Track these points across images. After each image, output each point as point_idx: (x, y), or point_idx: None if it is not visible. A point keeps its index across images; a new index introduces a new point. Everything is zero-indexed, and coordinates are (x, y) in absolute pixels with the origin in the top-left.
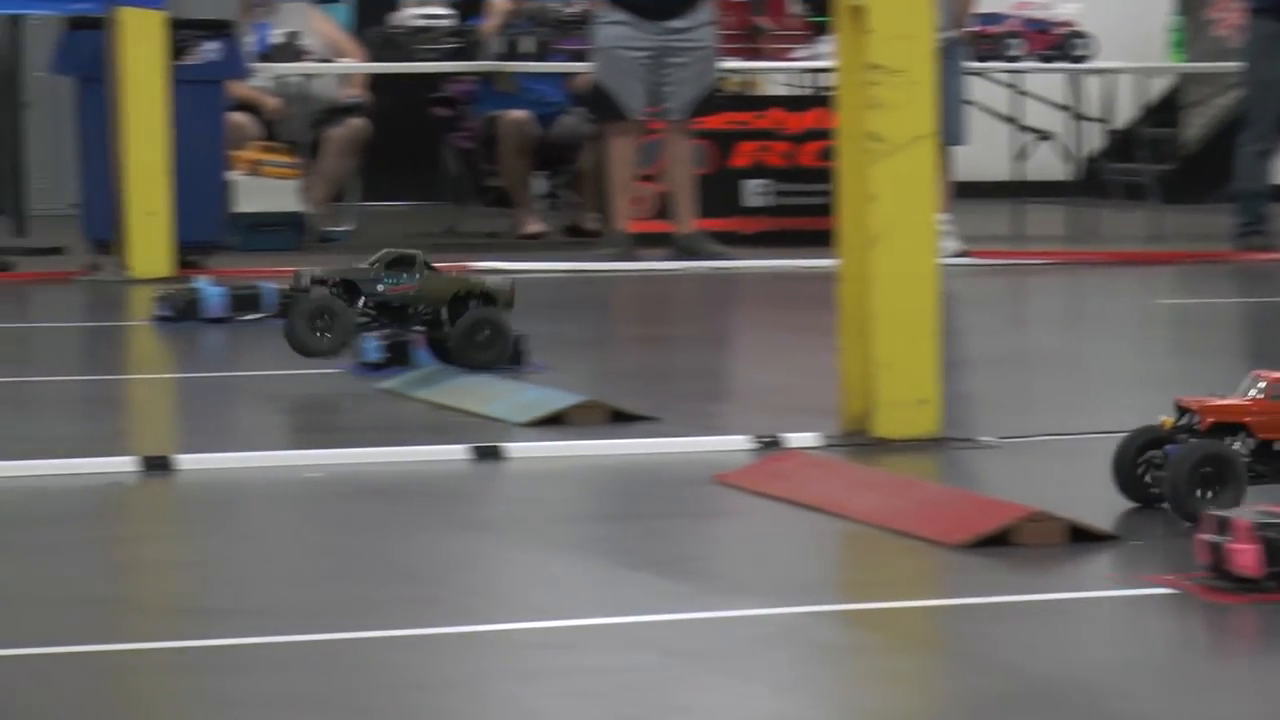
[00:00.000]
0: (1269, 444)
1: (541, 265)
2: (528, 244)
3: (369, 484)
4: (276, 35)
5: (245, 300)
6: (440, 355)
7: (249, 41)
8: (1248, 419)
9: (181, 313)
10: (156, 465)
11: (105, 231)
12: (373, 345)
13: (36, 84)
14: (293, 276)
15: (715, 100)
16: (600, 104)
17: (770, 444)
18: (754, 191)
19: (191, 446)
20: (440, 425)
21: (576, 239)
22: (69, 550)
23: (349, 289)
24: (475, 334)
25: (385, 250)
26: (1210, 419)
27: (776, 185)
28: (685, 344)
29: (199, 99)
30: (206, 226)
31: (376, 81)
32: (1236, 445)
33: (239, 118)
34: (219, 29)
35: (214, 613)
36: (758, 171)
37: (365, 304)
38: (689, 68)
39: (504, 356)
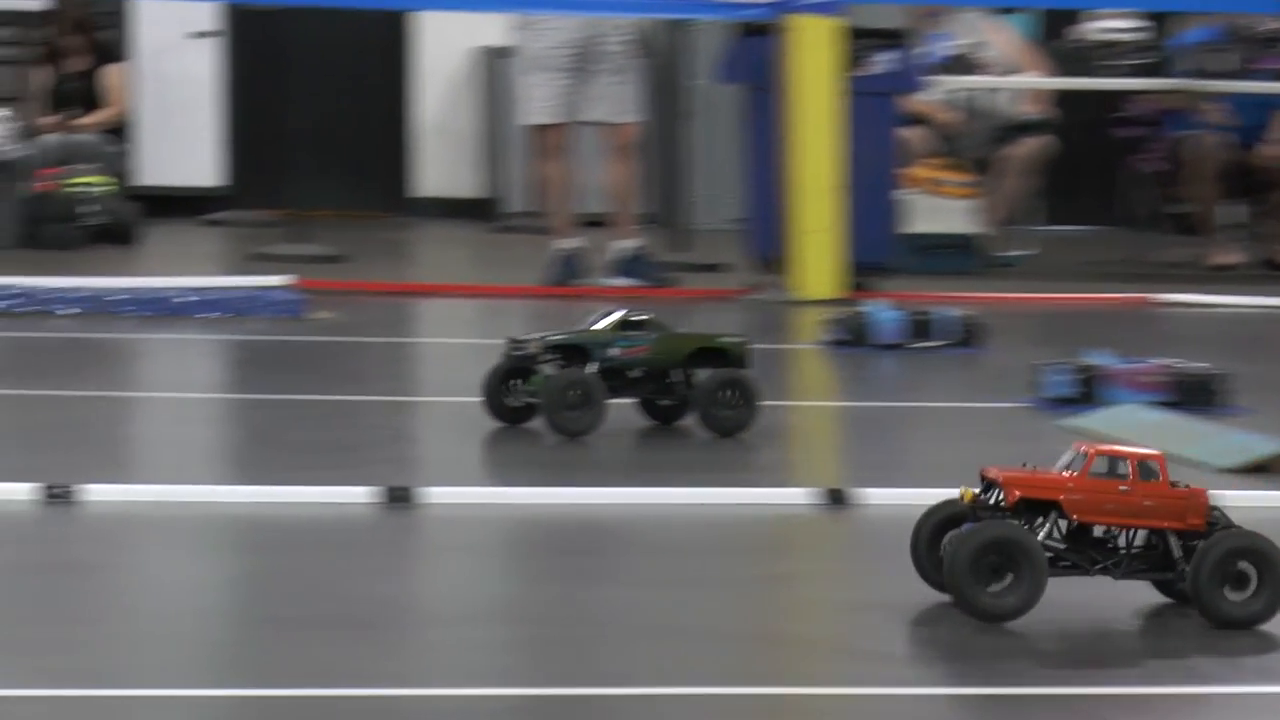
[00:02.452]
0: (1087, 528)
1: (1234, 299)
2: (1218, 276)
3: None
4: (953, 47)
5: (919, 326)
6: (666, 421)
7: (924, 53)
8: (1061, 496)
9: (854, 337)
10: (835, 499)
11: (769, 249)
12: (1062, 380)
13: (699, 92)
14: (508, 343)
15: None
16: None
17: None
18: None
19: (865, 480)
20: None
21: (1274, 272)
22: (741, 585)
23: (577, 354)
24: (720, 394)
25: (609, 309)
26: (1017, 493)
27: None
28: None
29: (871, 112)
30: (875, 247)
31: (1061, 98)
32: (1046, 527)
33: (911, 133)
34: (894, 39)
35: (889, 658)
36: None
37: (595, 371)
38: None
39: (752, 418)
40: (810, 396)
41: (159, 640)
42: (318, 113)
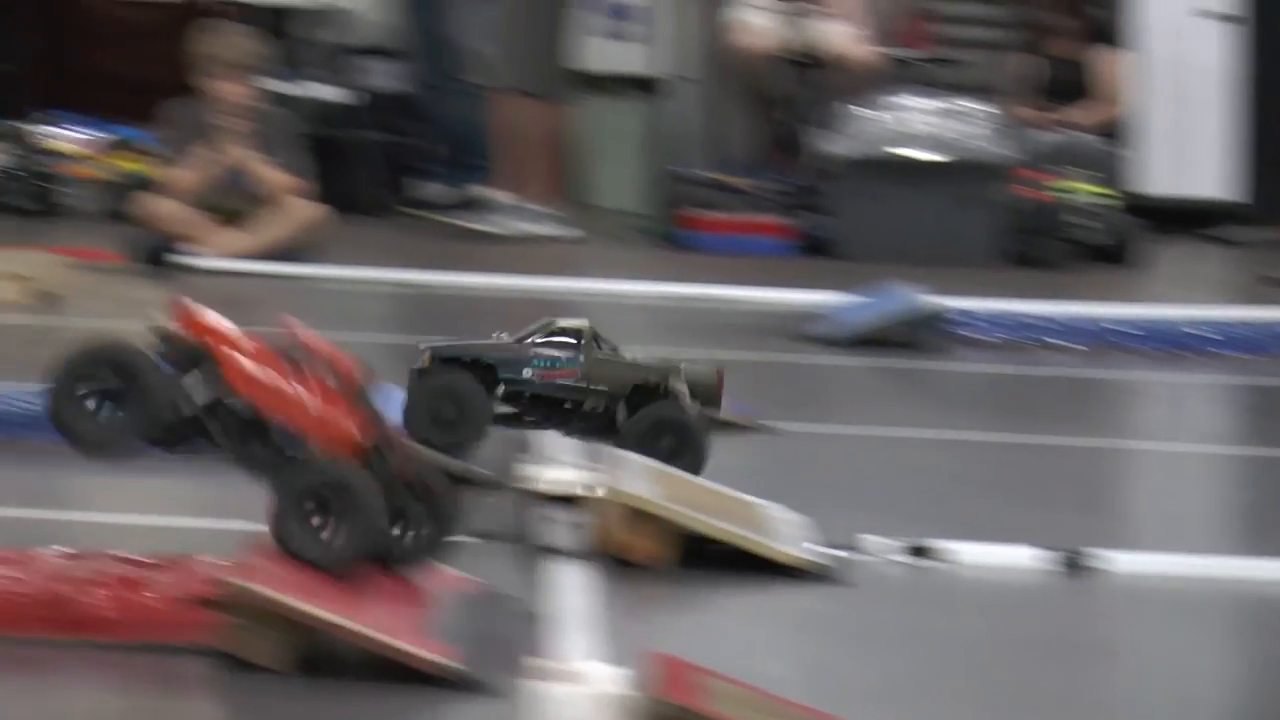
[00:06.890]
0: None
1: None
2: None
3: None
4: None
5: None
6: None
7: None
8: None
9: None
10: None
11: None
12: None
13: None
14: (416, 354)
15: None
16: None
17: None
18: None
19: None
20: None
21: None
22: None
23: (484, 373)
24: (653, 440)
25: (544, 320)
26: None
27: None
28: None
29: None
30: None
31: None
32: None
33: None
34: None
35: None
36: None
37: (506, 394)
38: None
39: (695, 470)
40: None
41: None
42: None
